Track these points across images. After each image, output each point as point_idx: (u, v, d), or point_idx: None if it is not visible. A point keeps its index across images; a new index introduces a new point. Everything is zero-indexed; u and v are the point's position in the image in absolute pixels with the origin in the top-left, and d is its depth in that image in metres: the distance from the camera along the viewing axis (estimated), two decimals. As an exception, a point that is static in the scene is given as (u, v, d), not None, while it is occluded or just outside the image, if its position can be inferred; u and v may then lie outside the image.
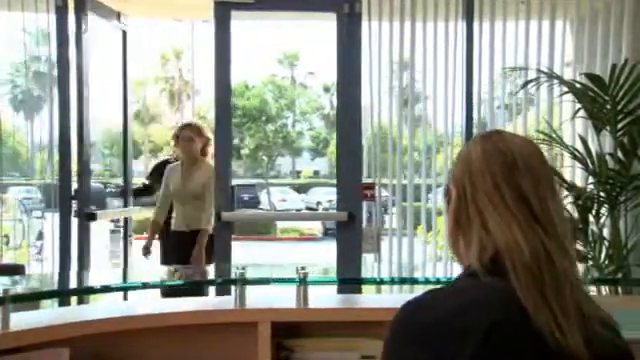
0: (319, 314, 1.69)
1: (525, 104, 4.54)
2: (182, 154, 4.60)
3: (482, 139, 1.11)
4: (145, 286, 1.72)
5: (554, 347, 0.94)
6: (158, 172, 5.03)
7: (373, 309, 1.69)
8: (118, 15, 4.70)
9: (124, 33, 4.84)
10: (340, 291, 2.98)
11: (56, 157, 4.07)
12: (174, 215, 4.64)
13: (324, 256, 4.60)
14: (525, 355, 0.94)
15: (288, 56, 25.76)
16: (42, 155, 4.19)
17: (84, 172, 4.16)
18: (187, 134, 4.54)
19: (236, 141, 24.21)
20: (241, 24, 4.42)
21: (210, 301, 1.75)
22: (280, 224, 17.72)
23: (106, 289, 1.69)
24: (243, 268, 1.69)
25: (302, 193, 25.39)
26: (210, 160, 4.54)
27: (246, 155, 25.25)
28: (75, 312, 1.71)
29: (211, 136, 4.45)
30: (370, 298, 2.03)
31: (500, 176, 1.04)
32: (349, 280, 1.96)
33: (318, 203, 22.21)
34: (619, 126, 3.61)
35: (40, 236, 5.02)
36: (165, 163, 5.03)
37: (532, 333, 0.94)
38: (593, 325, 0.98)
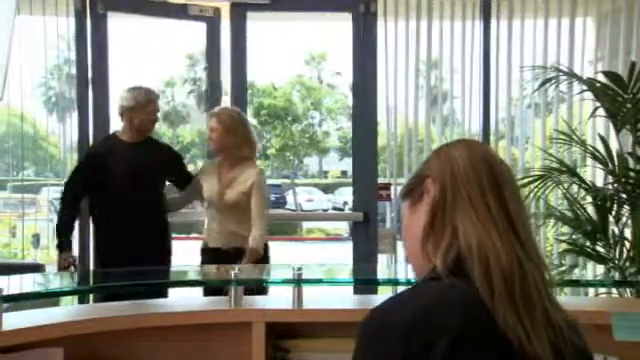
0: (313, 315, 1.69)
1: (545, 103, 4.47)
2: (214, 151, 3.64)
3: (466, 144, 1.12)
4: (133, 287, 1.74)
5: (518, 351, 0.94)
6: (97, 157, 3.62)
7: (367, 310, 1.67)
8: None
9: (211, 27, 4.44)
10: (356, 292, 2.99)
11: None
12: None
13: (347, 256, 4.57)
14: (491, 357, 0.94)
15: (315, 57, 25.78)
16: (73, 156, 4.27)
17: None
18: (214, 124, 3.54)
19: (263, 141, 24.30)
20: (268, 26, 4.40)
21: (206, 301, 1.76)
22: (306, 224, 17.74)
23: (93, 290, 1.70)
24: (238, 269, 1.70)
25: (329, 193, 25.38)
26: (255, 160, 3.76)
27: (273, 155, 25.32)
28: (71, 312, 1.73)
29: (249, 129, 3.63)
30: (379, 299, 2.02)
31: (486, 181, 1.05)
32: (345, 281, 1.94)
33: (345, 203, 22.17)
34: (639, 125, 3.53)
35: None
36: (112, 139, 3.68)
37: (498, 336, 0.94)
38: (562, 332, 0.99)
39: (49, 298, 2.01)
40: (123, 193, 3.51)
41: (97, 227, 3.71)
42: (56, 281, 2.26)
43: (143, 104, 3.59)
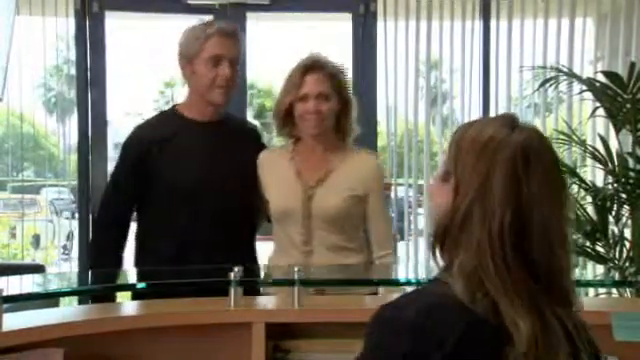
0: (313, 315, 1.68)
1: (545, 103, 4.47)
2: (304, 129, 2.21)
3: (502, 139, 1.06)
4: (132, 288, 1.74)
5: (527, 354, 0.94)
6: (136, 147, 2.27)
7: (367, 310, 1.67)
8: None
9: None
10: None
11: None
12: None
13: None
14: (497, 357, 0.94)
15: (316, 57, 25.80)
16: (72, 157, 4.27)
17: (99, 173, 4.19)
18: (317, 85, 2.19)
19: (264, 140, 24.23)
20: (267, 26, 4.34)
21: (206, 301, 1.76)
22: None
23: (92, 290, 1.70)
24: (238, 269, 1.70)
25: (329, 193, 25.44)
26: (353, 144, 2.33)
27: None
28: (71, 312, 1.73)
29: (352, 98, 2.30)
30: (379, 299, 2.02)
31: (507, 221, 0.97)
32: (345, 281, 1.95)
33: (345, 203, 22.15)
34: (639, 125, 3.53)
35: (69, 237, 5.14)
36: (172, 117, 2.32)
37: (505, 336, 0.95)
38: (579, 335, 1.00)
39: (49, 299, 2.01)
40: (185, 198, 2.22)
41: (140, 242, 2.35)
42: (56, 282, 2.26)
43: (196, 50, 2.11)
